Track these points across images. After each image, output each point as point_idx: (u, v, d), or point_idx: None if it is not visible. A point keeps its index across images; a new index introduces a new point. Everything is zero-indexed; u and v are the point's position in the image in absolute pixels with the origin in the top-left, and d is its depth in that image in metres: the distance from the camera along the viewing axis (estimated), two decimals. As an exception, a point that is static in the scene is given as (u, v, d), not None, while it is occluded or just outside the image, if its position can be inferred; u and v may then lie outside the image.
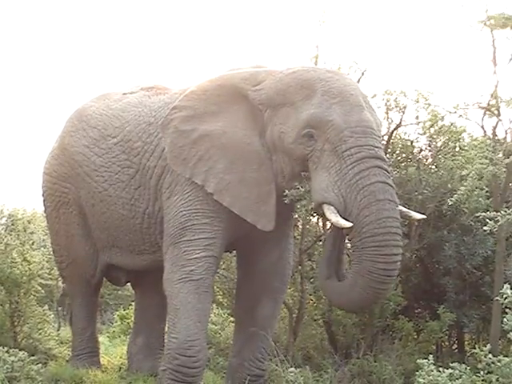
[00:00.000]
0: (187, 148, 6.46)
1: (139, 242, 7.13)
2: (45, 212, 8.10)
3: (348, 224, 5.65)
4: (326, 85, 6.04)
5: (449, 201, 6.74)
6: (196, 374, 6.39)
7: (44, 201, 7.98)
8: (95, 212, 7.37)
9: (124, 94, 7.52)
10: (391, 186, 5.77)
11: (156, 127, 6.88)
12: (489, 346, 5.62)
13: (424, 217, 6.27)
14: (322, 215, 6.16)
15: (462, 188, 6.57)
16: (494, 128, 7.14)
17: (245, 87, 6.40)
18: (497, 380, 5.31)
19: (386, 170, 5.80)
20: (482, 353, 5.51)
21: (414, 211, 6.65)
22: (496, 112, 7.07)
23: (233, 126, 6.39)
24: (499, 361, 5.42)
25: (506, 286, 5.53)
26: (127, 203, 7.05)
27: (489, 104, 7.09)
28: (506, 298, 5.44)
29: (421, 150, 8.33)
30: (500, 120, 7.08)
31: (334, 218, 5.73)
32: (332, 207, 5.78)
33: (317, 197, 5.90)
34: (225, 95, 6.46)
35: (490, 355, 5.48)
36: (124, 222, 7.11)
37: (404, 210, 6.04)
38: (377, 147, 5.86)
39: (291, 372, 6.45)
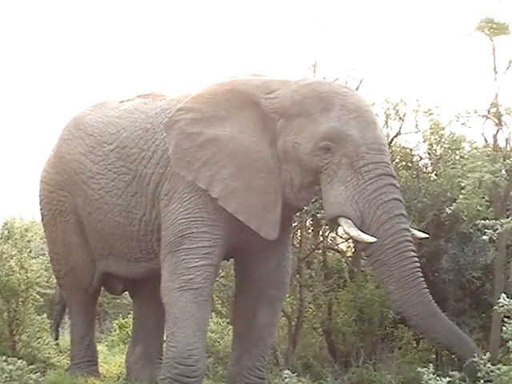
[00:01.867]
0: (192, 151, 6.41)
1: (136, 250, 7.08)
2: (42, 220, 8.06)
3: (372, 239, 5.83)
4: (343, 99, 6.16)
5: (447, 209, 6.73)
6: (195, 383, 6.37)
7: (41, 209, 7.94)
8: (92, 220, 7.33)
9: (121, 101, 7.48)
10: (403, 203, 6.06)
11: (153, 133, 6.86)
12: (488, 354, 5.62)
13: (426, 236, 6.37)
14: (337, 228, 6.29)
15: (461, 196, 6.56)
16: (495, 136, 7.14)
17: (256, 94, 6.39)
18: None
19: (397, 188, 6.08)
20: (481, 361, 5.51)
21: (413, 220, 6.67)
22: (496, 120, 7.07)
23: (241, 132, 6.37)
24: (498, 369, 5.41)
25: (503, 295, 5.53)
26: (124, 210, 7.00)
27: (489, 112, 7.10)
28: (502, 306, 5.44)
29: (420, 159, 8.33)
30: (500, 128, 7.09)
31: (354, 232, 5.91)
32: (350, 221, 5.93)
33: (333, 210, 6.03)
34: (234, 100, 6.44)
35: (489, 364, 5.47)
36: (120, 229, 7.07)
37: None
38: (390, 164, 6.13)
39: (286, 374, 6.32)
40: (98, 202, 7.19)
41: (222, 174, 6.31)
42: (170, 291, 6.41)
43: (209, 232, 6.39)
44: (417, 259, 5.91)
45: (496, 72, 7.06)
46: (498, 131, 7.13)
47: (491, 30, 6.89)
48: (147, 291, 7.78)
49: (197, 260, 6.34)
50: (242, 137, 6.36)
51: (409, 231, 5.97)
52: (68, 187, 7.52)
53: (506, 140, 7.14)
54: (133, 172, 6.93)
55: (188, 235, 6.39)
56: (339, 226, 6.14)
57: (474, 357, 5.62)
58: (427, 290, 5.87)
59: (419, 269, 5.89)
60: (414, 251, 5.92)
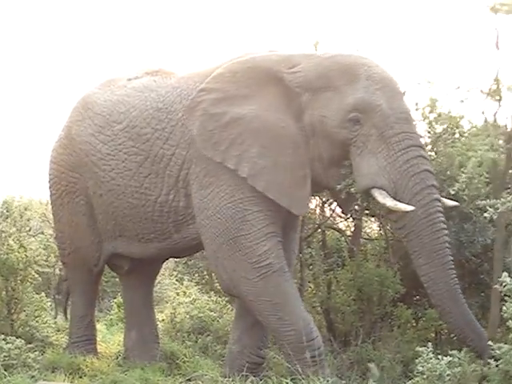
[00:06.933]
0: (218, 131, 6.35)
1: (149, 231, 7.01)
2: (50, 199, 8.05)
3: (409, 207, 5.82)
4: (368, 70, 6.13)
5: (450, 190, 6.68)
6: (323, 349, 6.37)
7: (50, 188, 7.89)
8: (103, 202, 7.25)
9: (129, 79, 7.39)
10: (433, 174, 6.06)
11: (166, 113, 6.76)
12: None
13: (457, 204, 6.37)
14: (370, 199, 6.23)
15: (463, 175, 6.51)
16: (495, 114, 7.10)
17: (279, 70, 6.35)
18: (496, 366, 5.29)
19: (427, 159, 6.09)
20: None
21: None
22: (497, 97, 7.02)
23: (266, 109, 6.31)
24: (499, 348, 5.40)
25: (505, 273, 5.51)
26: (136, 192, 6.91)
27: (490, 89, 7.04)
28: (505, 285, 5.42)
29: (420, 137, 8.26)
30: (501, 105, 7.04)
31: (391, 201, 5.89)
32: (384, 191, 5.92)
33: (366, 181, 6.00)
34: (257, 78, 6.39)
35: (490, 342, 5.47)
36: (133, 210, 6.99)
37: None
38: (418, 134, 6.20)
39: None
40: (109, 183, 7.12)
41: (250, 153, 6.24)
42: (248, 281, 6.29)
43: (261, 210, 6.29)
44: (446, 231, 5.96)
45: (498, 48, 7.00)
46: (498, 109, 7.09)
47: (497, 7, 6.82)
48: (132, 275, 7.76)
49: (264, 243, 6.25)
50: (267, 114, 6.31)
51: (440, 202, 5.98)
52: (79, 169, 7.45)
53: (506, 118, 7.09)
54: (145, 153, 6.83)
55: (242, 219, 6.28)
56: (372, 197, 6.08)
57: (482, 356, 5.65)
58: (454, 272, 5.93)
59: (448, 243, 5.95)
60: (444, 222, 5.94)
